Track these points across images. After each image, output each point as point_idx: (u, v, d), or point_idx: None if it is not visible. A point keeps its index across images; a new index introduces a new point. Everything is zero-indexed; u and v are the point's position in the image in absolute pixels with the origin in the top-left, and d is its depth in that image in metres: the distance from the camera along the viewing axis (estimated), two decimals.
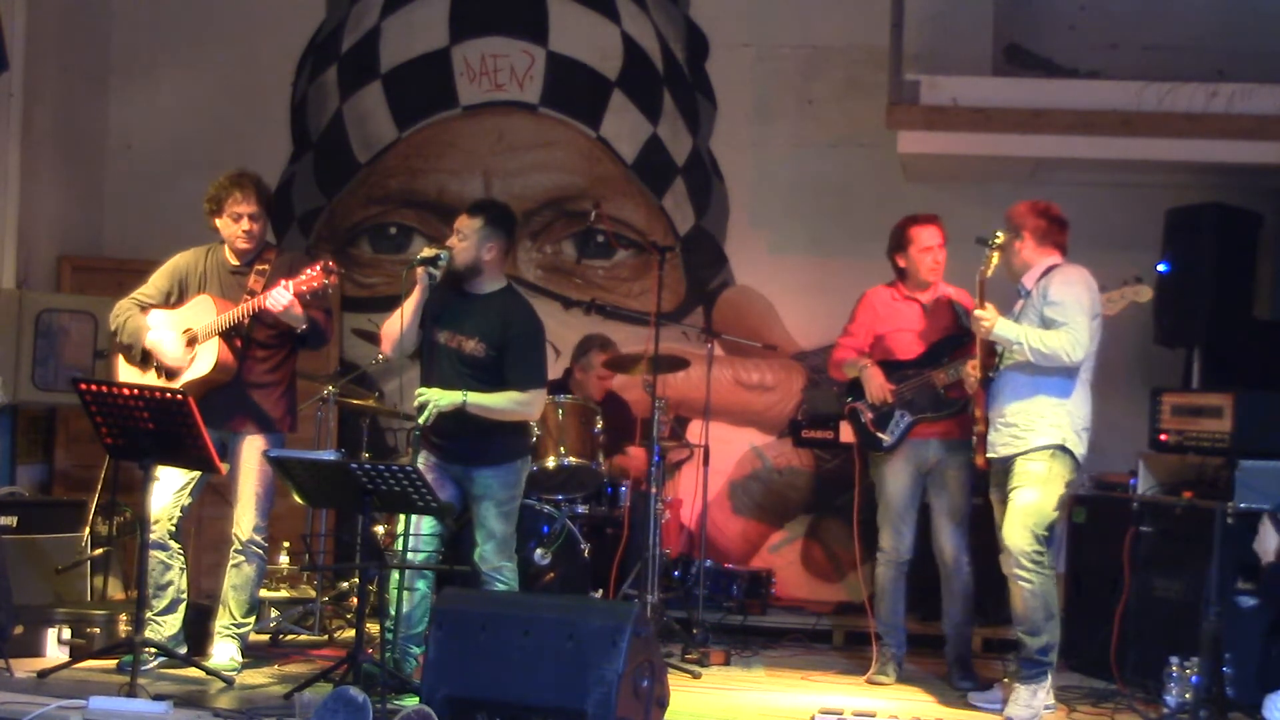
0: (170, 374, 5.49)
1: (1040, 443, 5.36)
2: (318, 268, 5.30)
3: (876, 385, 5.84)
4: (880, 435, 5.87)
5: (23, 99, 7.07)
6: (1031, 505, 5.34)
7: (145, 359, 5.53)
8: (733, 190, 7.95)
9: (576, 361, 7.17)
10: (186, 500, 5.53)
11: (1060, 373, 5.35)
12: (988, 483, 5.63)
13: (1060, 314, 5.31)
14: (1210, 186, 7.13)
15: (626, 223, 7.89)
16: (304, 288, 5.28)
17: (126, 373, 5.58)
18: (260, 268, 5.52)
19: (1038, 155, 7.05)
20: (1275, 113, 6.73)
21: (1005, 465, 5.45)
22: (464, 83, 8.08)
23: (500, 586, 5.38)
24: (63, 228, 7.58)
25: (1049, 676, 5.40)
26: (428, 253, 5.32)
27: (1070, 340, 5.28)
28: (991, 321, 5.35)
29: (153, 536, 5.28)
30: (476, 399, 5.24)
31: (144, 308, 5.56)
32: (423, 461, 5.38)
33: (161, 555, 5.46)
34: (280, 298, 5.27)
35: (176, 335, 5.48)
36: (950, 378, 5.73)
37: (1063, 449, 5.36)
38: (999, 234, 5.46)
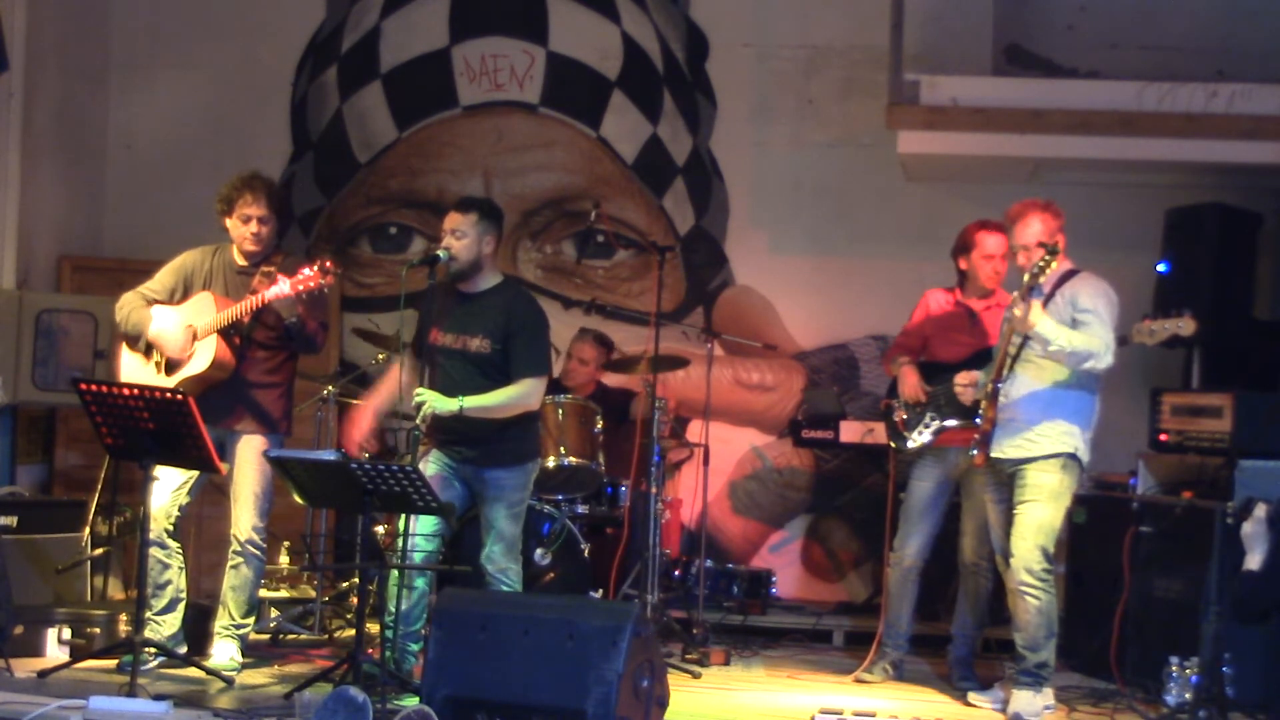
0: (170, 366, 5.49)
1: (1054, 450, 5.35)
2: (314, 268, 5.31)
3: (909, 385, 5.83)
4: (906, 435, 5.86)
5: (23, 99, 7.05)
6: (1044, 521, 5.34)
7: (149, 349, 5.55)
8: (733, 190, 7.93)
9: (568, 354, 7.16)
10: (185, 499, 5.53)
11: (1081, 383, 5.35)
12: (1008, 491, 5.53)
13: (1094, 321, 5.32)
14: (1210, 186, 7.13)
15: (626, 223, 7.88)
16: (301, 288, 5.28)
17: (130, 360, 5.59)
18: (266, 269, 5.51)
19: (1038, 155, 7.04)
20: (1275, 113, 6.72)
21: (1011, 469, 5.44)
22: (464, 83, 8.07)
23: (505, 588, 5.37)
24: (63, 228, 7.57)
25: (1047, 684, 5.41)
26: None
27: (1104, 344, 5.28)
28: (1036, 317, 5.27)
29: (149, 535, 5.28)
30: (473, 402, 5.23)
31: (148, 302, 5.57)
32: (432, 460, 5.39)
33: (159, 554, 5.46)
34: (279, 287, 5.29)
35: (180, 327, 5.49)
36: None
37: (1073, 458, 5.37)
38: (1057, 242, 5.36)
